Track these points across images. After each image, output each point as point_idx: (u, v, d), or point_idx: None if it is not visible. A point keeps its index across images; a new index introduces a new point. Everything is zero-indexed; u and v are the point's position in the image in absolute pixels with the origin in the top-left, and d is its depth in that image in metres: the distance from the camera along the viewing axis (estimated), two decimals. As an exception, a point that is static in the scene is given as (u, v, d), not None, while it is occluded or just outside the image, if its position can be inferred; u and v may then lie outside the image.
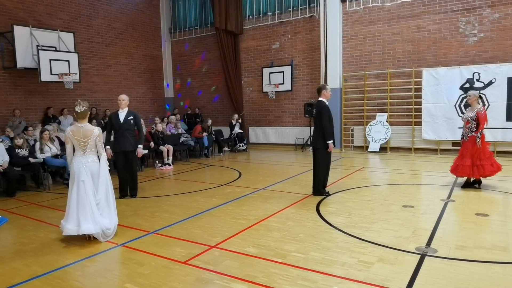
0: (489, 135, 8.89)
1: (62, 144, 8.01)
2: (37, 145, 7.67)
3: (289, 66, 12.61)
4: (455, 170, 6.35)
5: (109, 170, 4.58)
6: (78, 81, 10.94)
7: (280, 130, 13.17)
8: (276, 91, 12.89)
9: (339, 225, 4.59)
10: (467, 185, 6.36)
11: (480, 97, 6.45)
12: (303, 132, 12.57)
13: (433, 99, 10.23)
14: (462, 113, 9.28)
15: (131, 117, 6.38)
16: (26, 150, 7.46)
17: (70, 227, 4.23)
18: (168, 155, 9.67)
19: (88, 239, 4.31)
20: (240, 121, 13.00)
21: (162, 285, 3.20)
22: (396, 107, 11.05)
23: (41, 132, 7.86)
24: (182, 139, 11.05)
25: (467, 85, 9.73)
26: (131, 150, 6.37)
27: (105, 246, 4.16)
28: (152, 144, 9.50)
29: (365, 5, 11.12)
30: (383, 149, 11.10)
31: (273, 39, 13.06)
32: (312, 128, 6.51)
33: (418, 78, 10.50)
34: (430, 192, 6.36)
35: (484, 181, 6.39)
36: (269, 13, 12.97)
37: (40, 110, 11.13)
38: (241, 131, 12.78)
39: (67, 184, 5.77)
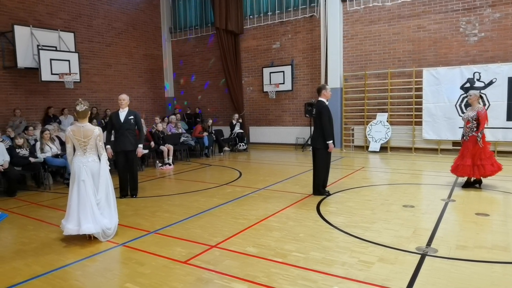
0: (490, 135, 8.88)
1: (62, 144, 8.02)
2: (38, 144, 7.67)
3: (290, 66, 12.61)
4: (455, 170, 6.35)
5: (110, 169, 4.58)
6: (79, 80, 10.94)
7: (281, 130, 13.16)
8: (276, 91, 12.89)
9: (340, 225, 4.59)
10: (468, 185, 6.35)
11: (481, 97, 6.45)
12: (303, 132, 12.56)
13: (433, 99, 10.22)
14: (463, 112, 9.28)
15: (132, 117, 6.38)
16: (26, 149, 7.46)
17: (70, 227, 4.23)
18: (168, 155, 9.68)
19: (88, 239, 4.31)
20: (240, 121, 13.00)
21: (162, 285, 3.21)
22: (396, 106, 11.05)
23: (42, 132, 7.86)
24: (182, 138, 11.06)
25: (468, 84, 9.73)
26: (131, 150, 6.38)
27: (106, 246, 4.17)
28: (152, 143, 9.51)
29: (366, 4, 11.11)
30: (383, 149, 11.10)
31: (273, 38, 13.05)
32: (313, 128, 6.51)
33: (418, 78, 10.49)
34: (431, 192, 6.36)
35: (485, 181, 6.38)
36: (269, 13, 12.97)
37: (41, 110, 11.14)
38: (241, 131, 12.78)
39: (68, 184, 5.78)
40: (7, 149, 7.08)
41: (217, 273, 3.39)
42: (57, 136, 8.51)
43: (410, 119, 10.76)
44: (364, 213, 5.08)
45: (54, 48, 10.63)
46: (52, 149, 7.75)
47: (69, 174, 4.84)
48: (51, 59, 10.19)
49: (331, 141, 5.88)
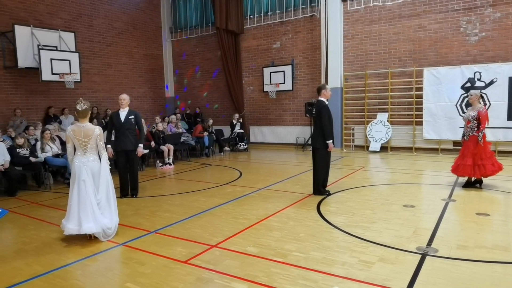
0: (490, 135, 8.87)
1: (63, 144, 8.03)
2: (38, 144, 7.68)
3: (290, 66, 12.61)
4: (456, 169, 6.34)
5: (110, 169, 4.59)
6: (79, 80, 10.95)
7: (281, 130, 13.16)
8: (276, 91, 12.88)
9: (340, 225, 4.59)
10: (468, 185, 6.35)
11: (481, 97, 6.44)
12: (303, 132, 12.56)
13: (434, 99, 10.22)
14: (463, 112, 9.28)
15: (132, 117, 6.39)
16: (27, 149, 7.47)
17: (71, 227, 4.24)
18: (168, 155, 9.68)
19: (89, 239, 4.32)
20: (240, 120, 13.00)
21: (162, 285, 3.21)
22: (397, 106, 11.04)
23: (42, 132, 7.87)
24: (183, 138, 11.06)
25: (468, 84, 9.72)
26: (132, 150, 6.38)
27: (106, 246, 4.17)
28: (152, 143, 9.51)
29: (366, 4, 11.10)
30: (384, 148, 11.09)
31: (273, 38, 13.05)
32: (313, 127, 6.52)
33: (419, 78, 10.49)
34: (431, 191, 6.35)
35: (485, 180, 6.38)
36: (269, 13, 12.96)
37: (41, 110, 11.14)
38: (241, 130, 12.78)
39: (68, 184, 5.80)
40: (7, 149, 7.09)
41: (218, 272, 3.39)
42: (58, 136, 8.52)
43: (410, 118, 10.75)
44: (365, 213, 5.08)
45: (55, 48, 10.63)
46: (52, 149, 7.76)
47: (70, 173, 4.85)
48: (51, 59, 10.20)
49: (331, 140, 5.88)
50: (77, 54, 10.90)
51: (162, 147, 9.68)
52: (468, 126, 6.22)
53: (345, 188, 6.56)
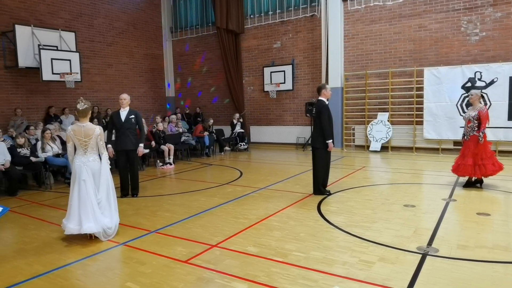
0: (491, 135, 8.87)
1: (63, 143, 8.03)
2: (39, 144, 7.68)
3: (290, 65, 12.60)
4: (456, 169, 6.34)
5: (110, 169, 4.59)
6: (80, 80, 10.95)
7: (281, 130, 13.16)
8: (277, 90, 12.88)
9: (340, 225, 4.59)
10: (469, 185, 6.34)
11: (482, 96, 6.43)
12: (304, 131, 12.56)
13: (434, 98, 10.21)
14: (464, 112, 9.27)
15: (133, 116, 6.39)
16: (27, 149, 7.47)
17: (71, 226, 4.24)
18: (169, 154, 9.68)
19: (89, 238, 4.32)
20: (241, 120, 13.00)
21: (163, 284, 3.21)
22: (397, 106, 11.03)
23: (43, 131, 7.87)
24: (183, 138, 11.06)
25: (469, 84, 9.71)
26: (132, 149, 6.39)
27: (107, 245, 4.17)
28: (153, 143, 9.51)
29: (367, 4, 11.09)
30: (384, 148, 11.09)
31: (274, 38, 13.05)
32: (313, 127, 6.53)
33: (419, 77, 10.48)
34: (432, 191, 6.35)
35: (486, 180, 6.37)
36: (270, 12, 12.96)
37: (42, 109, 11.15)
38: (242, 130, 12.77)
39: (69, 183, 5.81)
40: (8, 148, 7.10)
41: (218, 272, 3.40)
42: (58, 136, 8.52)
43: (411, 118, 10.75)
44: (365, 212, 5.08)
45: (55, 48, 10.64)
46: (53, 148, 7.76)
47: (70, 173, 4.85)
48: (52, 59, 10.20)
49: (331, 140, 5.88)
50: (77, 54, 10.91)
51: (162, 146, 9.68)
52: (468, 126, 6.21)
53: (345, 188, 6.56)
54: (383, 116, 11.08)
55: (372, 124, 11.19)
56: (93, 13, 12.58)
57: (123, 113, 6.37)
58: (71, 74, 10.56)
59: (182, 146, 10.89)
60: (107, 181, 4.44)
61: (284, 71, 12.68)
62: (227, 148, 12.44)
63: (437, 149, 10.37)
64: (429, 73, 10.21)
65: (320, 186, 6.07)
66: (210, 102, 14.86)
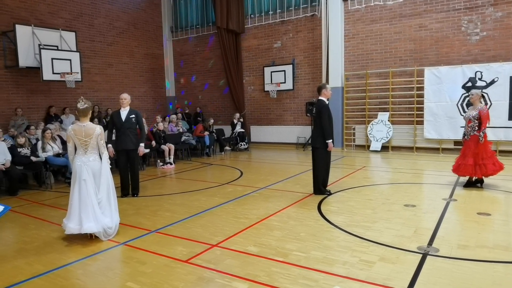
0: (492, 134, 8.86)
1: (64, 143, 8.04)
2: (39, 144, 7.68)
3: (291, 65, 12.60)
4: (457, 169, 6.33)
5: (111, 168, 4.59)
6: (80, 80, 10.95)
7: (282, 129, 13.16)
8: (277, 90, 12.88)
9: (341, 224, 4.59)
10: (469, 185, 6.34)
11: (483, 96, 6.42)
12: (304, 131, 12.56)
13: (435, 98, 10.20)
14: (464, 112, 9.26)
15: (133, 116, 6.39)
16: (28, 149, 7.48)
17: (72, 226, 4.24)
18: (169, 154, 9.68)
19: (90, 238, 4.32)
20: (241, 120, 12.99)
21: (163, 284, 3.21)
22: (398, 106, 11.03)
23: (43, 131, 7.87)
24: (183, 138, 11.06)
25: (470, 84, 9.70)
26: (132, 149, 6.39)
27: (107, 245, 4.17)
28: (153, 143, 9.51)
29: (367, 3, 11.09)
30: (384, 148, 11.08)
31: (274, 38, 13.04)
32: (313, 127, 6.53)
33: (420, 77, 10.47)
34: (432, 191, 6.34)
35: (486, 180, 6.37)
36: (270, 12, 12.96)
37: (42, 109, 11.16)
38: (242, 130, 12.77)
39: (69, 183, 5.81)
40: (9, 148, 7.10)
41: (218, 272, 3.40)
42: (59, 135, 8.53)
43: (411, 118, 10.74)
44: (365, 212, 5.08)
45: (56, 48, 10.64)
46: (53, 148, 7.76)
47: (71, 173, 4.85)
48: (52, 59, 10.20)
49: (331, 140, 5.88)
50: (78, 53, 10.91)
51: (162, 146, 9.68)
52: (469, 126, 6.21)
53: (346, 187, 6.56)
54: (383, 116, 11.07)
55: (372, 124, 11.18)
56: (93, 13, 12.58)
57: (124, 113, 6.38)
58: (71, 74, 10.56)
59: (182, 146, 10.89)
60: (108, 181, 4.44)
61: (284, 70, 12.67)
62: (227, 147, 12.43)
63: (438, 149, 10.37)
64: (430, 73, 10.20)
65: (321, 186, 6.07)
66: (212, 101, 14.81)
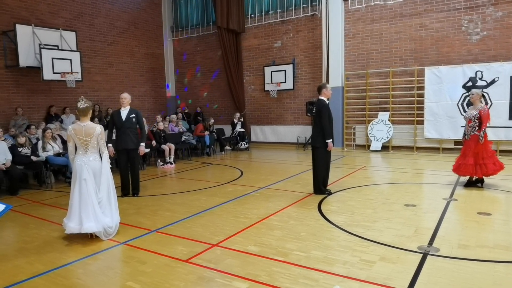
0: (492, 134, 8.86)
1: (64, 143, 8.05)
2: (40, 143, 7.69)
3: (291, 65, 12.59)
4: (457, 169, 6.33)
5: (111, 168, 4.59)
6: (80, 79, 10.96)
7: (282, 129, 13.16)
8: (278, 90, 12.88)
9: (341, 224, 4.59)
10: (470, 184, 6.34)
11: (483, 96, 6.42)
12: (305, 131, 12.55)
13: (435, 98, 10.20)
14: (465, 111, 9.26)
15: (133, 115, 6.39)
16: (28, 148, 7.48)
17: (72, 225, 4.25)
18: (170, 154, 9.69)
19: (90, 237, 4.32)
20: (241, 119, 12.99)
21: (164, 283, 3.21)
22: (398, 105, 11.02)
23: (44, 131, 7.88)
24: (184, 137, 11.06)
25: (470, 83, 9.70)
26: (133, 148, 6.39)
27: (107, 244, 4.17)
28: (154, 142, 9.52)
29: (367, 3, 11.08)
30: (385, 148, 11.08)
31: (275, 37, 13.04)
32: (313, 126, 6.53)
33: (420, 77, 10.47)
34: (432, 191, 6.34)
35: (487, 180, 6.37)
36: (271, 12, 12.95)
37: (43, 109, 11.16)
38: (242, 129, 12.77)
39: (69, 183, 5.81)
40: (9, 147, 7.11)
41: (219, 271, 3.40)
42: (59, 135, 8.53)
43: (412, 118, 10.74)
44: (366, 212, 5.08)
45: (56, 47, 10.65)
46: (54, 147, 7.77)
47: (71, 172, 4.86)
48: (53, 58, 10.21)
49: (330, 140, 5.88)
50: (78, 53, 10.91)
51: (163, 146, 9.68)
52: (469, 125, 6.20)
53: (346, 187, 6.56)
54: (383, 116, 11.07)
55: (372, 124, 11.18)
56: (93, 12, 12.58)
57: (124, 112, 6.38)
58: (71, 73, 10.56)
59: (182, 146, 10.89)
60: (108, 180, 4.45)
61: (284, 70, 12.67)
62: (227, 147, 12.44)
63: (438, 149, 10.36)
64: (430, 73, 10.20)
65: (321, 185, 6.07)
66: (212, 100, 14.82)
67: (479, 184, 6.32)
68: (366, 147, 11.46)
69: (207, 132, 11.49)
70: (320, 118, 5.89)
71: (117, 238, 4.34)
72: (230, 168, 9.21)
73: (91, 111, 4.55)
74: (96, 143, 4.42)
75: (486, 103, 9.11)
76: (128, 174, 6.46)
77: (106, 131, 6.51)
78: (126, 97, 6.39)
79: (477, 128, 6.10)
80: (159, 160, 9.77)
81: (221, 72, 14.25)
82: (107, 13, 13.02)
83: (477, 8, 9.70)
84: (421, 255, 3.61)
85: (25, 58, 10.14)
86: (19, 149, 7.31)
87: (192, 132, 11.93)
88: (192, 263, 3.61)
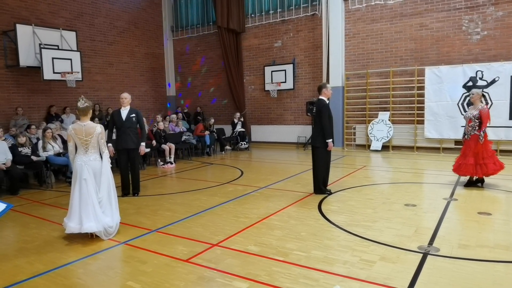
0: (492, 134, 8.86)
1: (64, 142, 8.05)
2: (40, 143, 7.69)
3: (291, 65, 12.59)
4: (457, 169, 6.33)
5: (111, 168, 4.59)
6: (81, 79, 10.96)
7: (282, 129, 13.16)
8: (278, 90, 12.88)
9: (341, 224, 4.59)
10: (470, 184, 6.34)
11: (483, 96, 6.42)
12: (305, 131, 12.55)
13: (435, 98, 10.19)
14: (465, 111, 9.25)
15: (133, 115, 6.39)
16: (29, 148, 7.48)
17: (72, 225, 4.25)
18: (170, 154, 9.69)
19: (90, 237, 4.33)
20: (242, 119, 12.99)
21: (164, 283, 3.21)
22: (398, 105, 11.02)
23: (44, 131, 7.88)
24: (184, 137, 11.07)
25: (470, 83, 9.69)
26: (133, 148, 6.39)
27: (107, 244, 4.18)
28: (154, 142, 9.52)
29: (368, 3, 11.08)
30: (385, 147, 11.08)
31: (275, 37, 13.03)
32: (313, 126, 6.53)
33: (420, 77, 10.46)
34: (433, 190, 6.34)
35: (487, 180, 6.37)
36: (271, 11, 12.95)
37: (43, 109, 11.17)
38: (243, 129, 12.77)
39: (70, 182, 5.82)
40: (9, 147, 7.11)
41: (219, 271, 3.40)
42: (59, 135, 8.53)
43: (412, 117, 10.73)
44: (366, 212, 5.08)
45: (56, 47, 10.65)
46: (54, 147, 7.77)
47: (71, 172, 4.86)
48: (53, 58, 10.21)
49: (331, 140, 5.87)
50: (78, 53, 10.91)
51: (163, 146, 9.68)
52: (469, 125, 6.20)
53: (346, 187, 6.56)
54: (384, 115, 11.07)
55: (373, 123, 11.18)
56: (94, 12, 12.58)
57: (124, 112, 6.38)
58: (72, 73, 10.56)
59: (183, 145, 10.89)
60: (108, 180, 4.45)
61: (285, 70, 12.67)
62: (228, 147, 12.44)
63: (438, 149, 10.36)
64: (430, 72, 10.19)
65: (321, 185, 6.07)
66: (209, 102, 14.85)
67: (479, 184, 6.31)
68: (366, 147, 11.45)
69: (207, 132, 11.50)
70: (320, 118, 5.89)
71: (118, 238, 4.34)
72: (230, 168, 9.21)
73: (91, 110, 4.55)
74: (96, 143, 4.42)
75: (487, 103, 9.11)
76: (129, 174, 6.46)
77: (106, 131, 6.51)
78: (126, 97, 6.39)
79: (477, 128, 6.10)
80: (159, 160, 9.78)
81: (221, 72, 14.25)
82: (107, 13, 13.02)
83: (478, 8, 9.70)
84: (421, 255, 3.61)
85: (26, 58, 10.14)
86: (20, 149, 7.31)
87: (192, 132, 11.93)
88: (192, 263, 3.61)
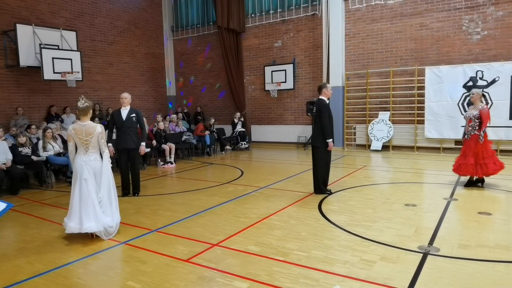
0: (492, 134, 8.86)
1: (64, 142, 8.05)
2: (40, 143, 7.69)
3: (291, 65, 12.59)
4: (458, 169, 6.33)
5: (112, 168, 4.59)
6: (81, 79, 10.96)
7: (282, 129, 13.16)
8: (278, 90, 12.88)
9: (341, 224, 4.59)
10: (470, 184, 6.34)
11: (483, 95, 6.42)
12: (305, 131, 12.55)
13: (436, 98, 10.19)
14: (465, 111, 9.25)
15: (133, 115, 6.40)
16: (29, 148, 7.48)
17: (72, 225, 4.25)
18: (170, 154, 9.69)
19: (90, 237, 4.33)
20: (242, 119, 12.99)
21: (164, 283, 3.21)
22: (398, 105, 11.01)
23: (44, 130, 7.88)
24: (184, 137, 11.07)
25: (470, 83, 9.69)
26: (133, 148, 6.39)
27: (108, 244, 4.18)
28: (154, 142, 9.52)
29: (368, 3, 11.07)
30: (385, 147, 11.08)
31: (275, 37, 13.03)
32: (313, 126, 6.53)
33: (421, 77, 10.46)
34: (433, 190, 6.34)
35: (487, 179, 6.36)
36: (271, 11, 12.95)
37: (43, 109, 11.17)
38: (243, 129, 12.77)
39: (70, 182, 5.82)
40: (9, 147, 7.11)
41: (219, 271, 3.40)
42: (59, 135, 8.54)
43: (412, 117, 10.73)
44: (366, 211, 5.07)
45: (56, 47, 10.65)
46: (54, 147, 7.77)
47: (71, 172, 4.86)
48: (53, 58, 10.21)
49: (331, 139, 5.88)
50: (78, 53, 10.91)
51: (163, 146, 9.69)
52: (469, 125, 6.20)
53: (346, 187, 6.56)
54: (384, 115, 11.06)
55: (373, 123, 11.17)
56: (94, 12, 12.58)
57: (124, 112, 6.38)
58: (72, 73, 10.57)
59: (183, 145, 10.89)
60: (108, 180, 4.45)
61: (285, 70, 12.67)
62: (228, 147, 12.43)
63: (438, 148, 10.36)
64: (431, 72, 10.19)
65: (321, 185, 6.07)
66: (212, 100, 14.84)
67: (479, 184, 6.31)
68: (366, 146, 11.45)
69: (207, 132, 11.50)
70: (320, 117, 5.89)
71: (118, 238, 4.34)
72: (231, 167, 9.21)
73: (91, 110, 4.55)
74: (96, 143, 4.42)
75: (487, 103, 9.11)
76: (129, 174, 6.46)
77: (106, 130, 6.51)
78: (126, 96, 6.39)
79: (477, 127, 6.09)
80: (159, 160, 9.78)
81: (221, 72, 14.25)
82: (108, 13, 13.02)
83: (478, 8, 9.70)
84: (422, 255, 3.61)
85: (26, 58, 10.14)
86: (20, 149, 7.31)
87: (192, 131, 11.93)
88: (192, 262, 3.61)
